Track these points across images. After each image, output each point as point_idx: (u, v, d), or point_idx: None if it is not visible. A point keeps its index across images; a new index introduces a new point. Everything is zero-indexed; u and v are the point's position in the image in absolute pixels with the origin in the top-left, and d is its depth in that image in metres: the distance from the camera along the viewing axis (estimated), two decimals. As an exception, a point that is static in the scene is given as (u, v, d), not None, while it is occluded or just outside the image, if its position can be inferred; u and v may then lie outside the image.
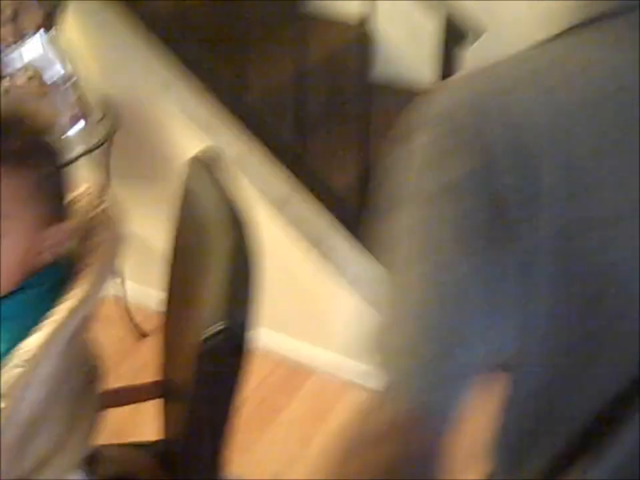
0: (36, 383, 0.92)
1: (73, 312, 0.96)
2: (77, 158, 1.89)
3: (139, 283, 2.41)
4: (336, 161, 2.24)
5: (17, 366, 0.91)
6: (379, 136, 2.10)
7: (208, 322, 0.95)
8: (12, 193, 0.95)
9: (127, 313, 2.35)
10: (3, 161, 0.95)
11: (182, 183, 1.23)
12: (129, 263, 1.99)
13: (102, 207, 1.08)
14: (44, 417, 0.96)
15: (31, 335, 0.94)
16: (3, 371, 0.92)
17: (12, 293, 0.98)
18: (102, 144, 2.04)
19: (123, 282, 2.35)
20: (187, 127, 2.20)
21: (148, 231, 2.07)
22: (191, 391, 1.00)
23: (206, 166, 1.21)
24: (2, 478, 0.94)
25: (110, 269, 1.02)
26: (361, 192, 2.13)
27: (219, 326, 0.93)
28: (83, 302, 0.97)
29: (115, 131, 2.09)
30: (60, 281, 1.03)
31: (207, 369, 0.96)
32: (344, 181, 2.19)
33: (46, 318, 0.95)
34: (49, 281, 1.02)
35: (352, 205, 2.15)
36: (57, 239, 1.01)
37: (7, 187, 0.95)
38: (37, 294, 1.00)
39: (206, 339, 0.93)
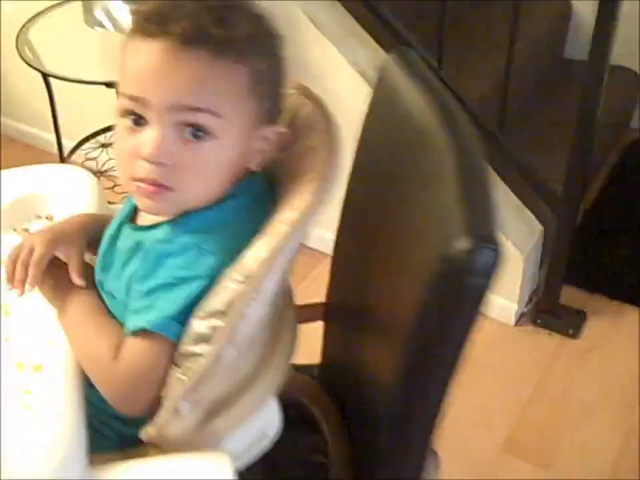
0: (256, 302, 0.81)
1: (296, 226, 0.82)
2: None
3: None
4: (471, 70, 2.11)
5: (238, 282, 0.80)
6: (513, 45, 1.93)
7: (448, 238, 0.79)
8: (232, 87, 0.83)
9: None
10: (227, 52, 0.82)
11: (378, 81, 1.08)
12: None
13: (310, 108, 0.93)
14: (254, 337, 0.84)
15: (250, 248, 0.82)
16: (221, 286, 0.81)
17: (219, 202, 0.87)
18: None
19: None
20: (317, 37, 2.03)
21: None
22: (419, 319, 0.84)
23: (406, 62, 1.05)
24: (212, 395, 0.84)
25: (331, 179, 0.87)
26: (497, 102, 1.98)
27: (464, 242, 0.77)
28: (305, 215, 0.83)
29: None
30: (265, 191, 0.91)
31: (448, 293, 0.80)
32: (479, 91, 2.06)
33: (264, 231, 0.83)
34: (254, 190, 0.89)
35: (487, 115, 2.01)
36: (267, 142, 0.89)
37: (228, 80, 0.83)
38: (245, 202, 0.88)
39: (448, 259, 0.78)
